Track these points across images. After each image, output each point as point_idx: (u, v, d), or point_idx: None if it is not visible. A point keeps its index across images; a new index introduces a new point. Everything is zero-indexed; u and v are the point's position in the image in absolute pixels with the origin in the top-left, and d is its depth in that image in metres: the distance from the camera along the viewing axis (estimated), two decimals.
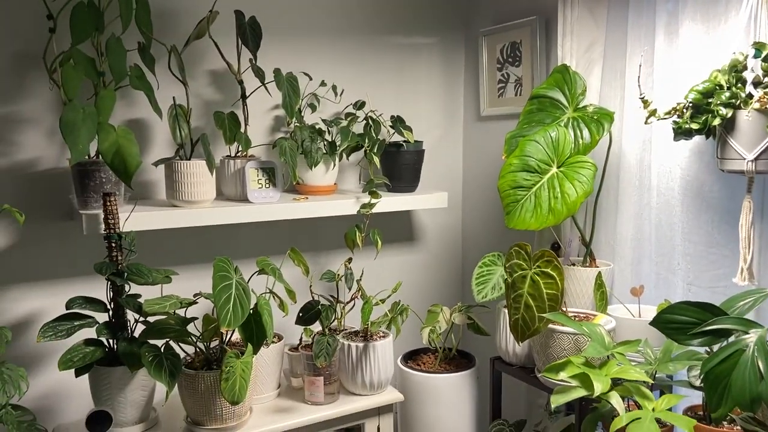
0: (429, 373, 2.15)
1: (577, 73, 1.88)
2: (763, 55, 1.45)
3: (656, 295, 1.87)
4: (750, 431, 1.37)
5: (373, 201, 2.15)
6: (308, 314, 1.96)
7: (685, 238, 1.80)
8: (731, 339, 1.35)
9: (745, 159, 1.48)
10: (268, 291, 1.85)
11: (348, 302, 2.09)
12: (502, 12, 2.42)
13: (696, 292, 1.78)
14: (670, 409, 1.40)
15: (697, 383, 1.53)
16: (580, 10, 1.98)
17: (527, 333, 1.71)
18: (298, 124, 2.16)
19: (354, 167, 2.45)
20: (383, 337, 2.06)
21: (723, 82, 1.50)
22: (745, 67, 1.49)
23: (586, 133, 1.83)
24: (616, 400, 1.41)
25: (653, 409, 1.38)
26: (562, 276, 1.67)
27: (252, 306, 1.64)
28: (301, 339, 2.09)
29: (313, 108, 2.25)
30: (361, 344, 1.99)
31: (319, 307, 1.96)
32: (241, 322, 1.55)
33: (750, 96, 1.47)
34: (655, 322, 1.44)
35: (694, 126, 1.52)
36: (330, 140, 2.21)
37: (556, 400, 1.45)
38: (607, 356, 1.53)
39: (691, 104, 1.52)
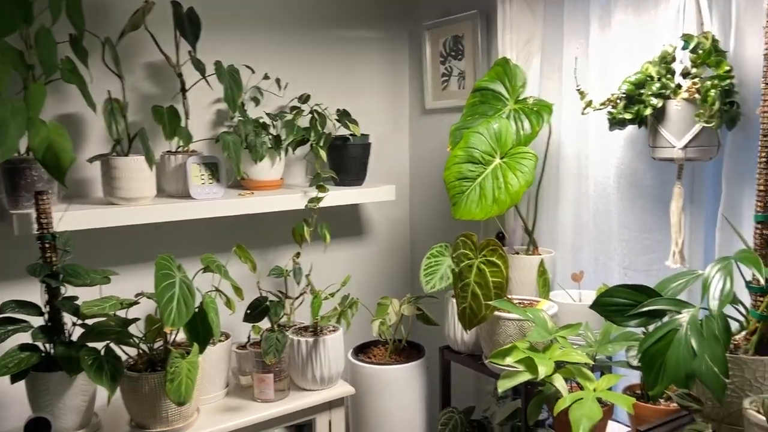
0: (379, 365, 2.16)
1: (517, 66, 1.92)
2: (691, 47, 1.51)
3: (595, 279, 1.93)
4: (685, 406, 1.43)
5: (321, 195, 2.14)
6: (256, 311, 1.94)
7: (621, 224, 1.86)
8: (665, 319, 1.40)
9: (675, 147, 1.54)
10: (214, 289, 1.82)
11: (297, 298, 2.08)
12: (445, 6, 2.45)
13: (632, 276, 1.85)
14: (610, 389, 1.45)
15: (635, 363, 1.59)
16: (519, 4, 2.02)
17: (474, 321, 1.74)
18: (241, 118, 2.13)
19: (300, 161, 2.43)
20: (333, 331, 2.05)
21: (654, 74, 1.56)
22: (674, 59, 1.55)
23: (526, 124, 1.87)
24: (559, 383, 1.45)
25: (594, 390, 1.43)
26: (506, 264, 1.71)
27: (197, 304, 1.61)
28: (249, 336, 2.06)
29: (257, 101, 2.22)
30: (311, 339, 1.98)
31: (267, 303, 1.94)
32: (186, 321, 1.52)
33: (679, 86, 1.53)
34: (595, 306, 1.48)
35: (627, 116, 1.58)
36: (275, 134, 2.19)
37: (503, 385, 1.48)
38: (550, 340, 1.58)
39: (624, 95, 1.57)
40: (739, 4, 1.49)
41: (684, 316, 1.35)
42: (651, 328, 1.45)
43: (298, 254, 2.05)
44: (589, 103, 1.66)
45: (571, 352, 1.50)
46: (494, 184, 1.85)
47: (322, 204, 2.15)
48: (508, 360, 1.47)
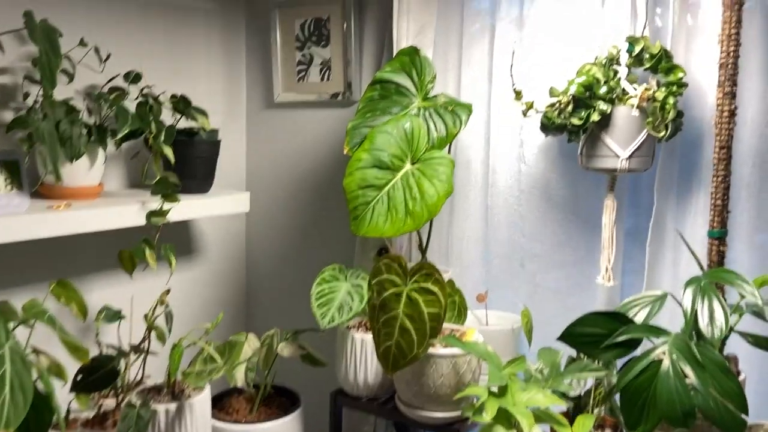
0: (248, 423, 1.69)
1: (427, 58, 1.65)
2: (636, 50, 1.42)
3: (502, 298, 1.77)
4: None
5: (167, 206, 1.60)
6: (95, 375, 1.34)
7: (532, 238, 1.73)
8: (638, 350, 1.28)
9: (619, 157, 1.44)
10: (32, 351, 1.19)
11: (140, 347, 1.52)
12: None
13: (543, 294, 1.73)
14: None
15: (574, 393, 1.45)
16: None
17: (403, 362, 1.42)
18: (45, 99, 1.48)
19: (119, 161, 1.83)
20: (198, 391, 1.54)
21: (600, 76, 1.43)
22: (618, 61, 1.44)
23: (440, 125, 1.61)
24: None
25: None
26: (445, 291, 1.43)
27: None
28: (68, 412, 1.43)
29: (70, 77, 1.58)
30: (172, 406, 1.44)
31: (112, 362, 1.36)
32: (25, 416, 0.92)
33: (625, 92, 1.43)
34: (565, 338, 1.30)
35: (575, 121, 1.42)
36: (96, 123, 1.58)
37: None
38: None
39: (572, 98, 1.42)
40: (675, 8, 1.45)
41: (663, 346, 1.23)
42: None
43: (167, 292, 1.49)
44: (530, 105, 1.47)
45: (537, 393, 1.28)
46: (407, 194, 1.55)
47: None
48: (487, 416, 1.19)
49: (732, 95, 1.32)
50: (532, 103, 1.47)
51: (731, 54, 1.31)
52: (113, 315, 1.48)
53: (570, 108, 1.41)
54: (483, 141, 1.78)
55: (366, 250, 1.92)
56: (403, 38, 1.76)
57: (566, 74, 1.60)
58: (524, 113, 1.47)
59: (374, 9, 1.95)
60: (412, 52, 1.64)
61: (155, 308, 1.50)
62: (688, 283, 1.28)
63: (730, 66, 1.32)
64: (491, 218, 1.79)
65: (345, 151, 1.63)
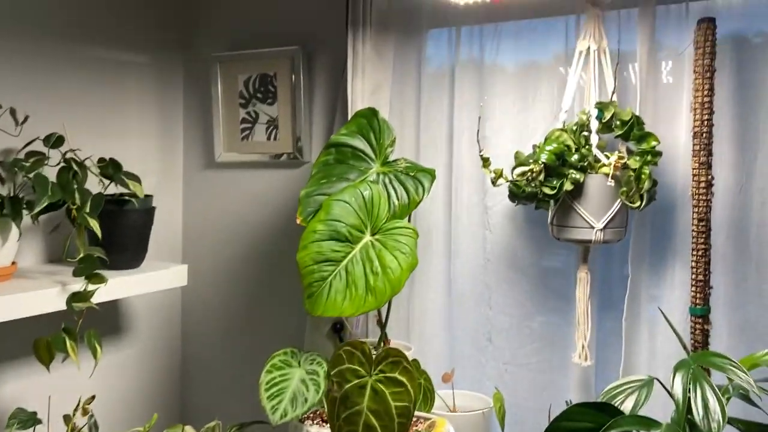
0: None
1: (386, 121, 1.54)
2: (606, 117, 1.35)
3: (464, 374, 1.63)
4: None
5: (92, 288, 1.40)
6: None
7: (499, 310, 1.62)
8: None
9: (593, 227, 1.35)
10: None
11: None
12: (247, 35, 1.94)
13: (514, 373, 1.61)
14: None
15: None
16: (370, 44, 1.66)
17: None
18: None
19: (37, 233, 1.61)
20: None
21: (571, 143, 1.35)
22: (588, 128, 1.37)
23: (402, 192, 1.49)
24: None
25: None
26: (415, 381, 1.28)
27: None
28: None
29: None
30: None
31: None
32: None
33: (597, 159, 1.35)
34: None
35: (547, 191, 1.33)
36: (10, 194, 1.37)
37: None
38: None
39: (543, 166, 1.33)
40: (642, 74, 1.40)
41: None
42: None
43: (91, 399, 1.27)
44: (499, 173, 1.37)
45: None
46: (367, 268, 1.41)
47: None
48: None
49: (708, 165, 1.27)
50: (502, 170, 1.37)
51: (705, 122, 1.26)
52: (27, 420, 1.25)
53: (541, 177, 1.32)
54: (444, 207, 1.67)
55: (318, 326, 1.76)
56: (358, 98, 1.65)
57: (530, 137, 1.53)
58: (493, 182, 1.37)
59: (325, 66, 1.84)
60: (370, 114, 1.53)
61: (75, 412, 1.27)
62: (676, 368, 1.18)
63: (704, 135, 1.26)
64: (455, 289, 1.67)
65: (298, 221, 1.49)
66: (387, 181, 1.51)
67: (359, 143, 1.53)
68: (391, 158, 1.54)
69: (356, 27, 1.62)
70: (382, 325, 1.62)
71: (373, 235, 1.45)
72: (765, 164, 1.34)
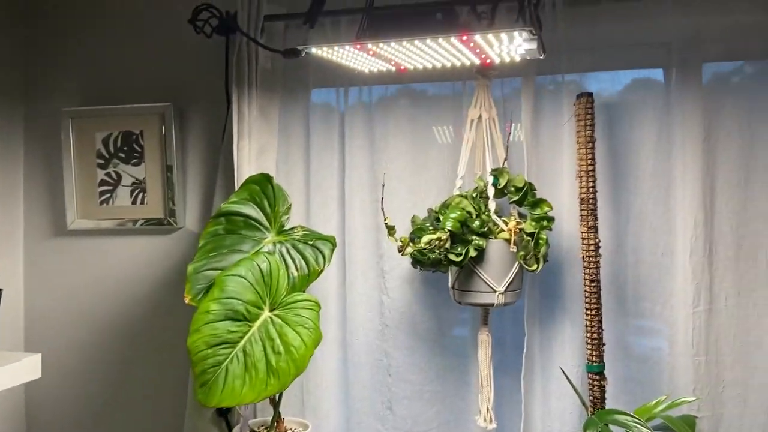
0: None
1: (280, 187, 1.46)
2: (502, 183, 1.40)
3: None
4: None
5: None
6: None
7: (399, 377, 1.58)
8: None
9: (495, 291, 1.38)
10: None
11: None
12: (106, 89, 1.76)
13: None
14: None
15: None
16: (257, 106, 1.57)
17: None
18: None
19: None
20: None
21: (471, 210, 1.38)
22: (486, 194, 1.41)
23: (301, 262, 1.41)
24: None
25: None
26: None
27: None
28: None
29: None
30: None
31: None
32: None
33: (495, 224, 1.39)
34: None
35: (453, 258, 1.33)
36: None
37: None
38: None
39: (449, 234, 1.33)
40: (527, 140, 1.47)
41: None
42: None
43: None
44: (406, 242, 1.34)
45: None
46: (268, 348, 1.31)
47: None
48: None
49: (595, 229, 1.36)
50: (408, 239, 1.35)
51: (590, 189, 1.35)
52: None
53: (447, 244, 1.32)
54: (338, 271, 1.61)
55: (201, 410, 1.58)
56: (244, 161, 1.55)
57: (424, 200, 1.54)
58: (400, 250, 1.34)
59: (200, 124, 1.71)
60: (263, 180, 1.44)
61: None
62: (586, 427, 1.23)
63: (590, 201, 1.35)
64: (351, 357, 1.61)
65: (186, 300, 1.34)
66: (284, 251, 1.42)
67: (252, 211, 1.43)
68: (287, 226, 1.46)
69: (241, 87, 1.53)
70: (275, 403, 1.51)
71: (272, 310, 1.35)
72: (636, 225, 1.47)
